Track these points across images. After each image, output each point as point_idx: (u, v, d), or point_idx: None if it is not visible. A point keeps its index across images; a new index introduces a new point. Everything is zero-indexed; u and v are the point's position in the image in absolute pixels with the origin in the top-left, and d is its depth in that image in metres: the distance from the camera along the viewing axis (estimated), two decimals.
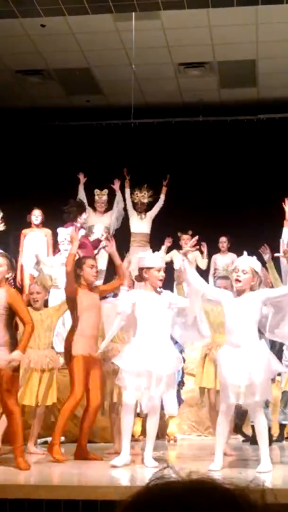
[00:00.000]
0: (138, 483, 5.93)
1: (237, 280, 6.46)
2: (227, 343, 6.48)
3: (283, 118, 13.20)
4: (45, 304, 8.21)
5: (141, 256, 7.03)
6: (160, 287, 6.77)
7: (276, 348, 9.45)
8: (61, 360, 8.31)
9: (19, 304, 6.56)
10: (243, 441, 8.74)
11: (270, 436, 7.32)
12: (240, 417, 8.55)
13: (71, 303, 7.19)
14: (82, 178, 11.59)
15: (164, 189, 11.71)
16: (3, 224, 10.13)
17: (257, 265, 6.64)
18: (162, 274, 6.76)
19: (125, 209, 11.71)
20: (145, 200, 11.65)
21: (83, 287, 7.18)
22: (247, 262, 6.59)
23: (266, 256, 8.12)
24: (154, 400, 6.57)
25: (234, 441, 8.41)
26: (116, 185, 11.57)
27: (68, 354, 7.12)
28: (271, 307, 6.56)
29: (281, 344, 8.61)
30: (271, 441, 7.29)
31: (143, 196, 11.66)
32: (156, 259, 6.84)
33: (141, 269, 6.82)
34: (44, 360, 7.61)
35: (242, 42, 11.14)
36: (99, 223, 11.44)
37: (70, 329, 7.29)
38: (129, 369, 6.54)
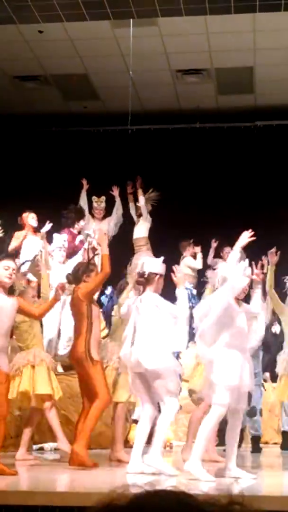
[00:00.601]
0: (133, 489, 5.92)
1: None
2: (235, 347, 6.41)
3: (280, 125, 13.22)
4: None
5: (152, 262, 7.02)
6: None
7: (269, 356, 9.49)
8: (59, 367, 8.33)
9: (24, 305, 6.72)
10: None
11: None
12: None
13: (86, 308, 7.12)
14: (85, 184, 11.59)
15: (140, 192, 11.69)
16: (2, 230, 10.12)
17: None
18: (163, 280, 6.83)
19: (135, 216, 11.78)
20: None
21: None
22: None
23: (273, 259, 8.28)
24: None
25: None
26: (115, 192, 11.58)
27: (82, 360, 6.99)
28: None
29: (274, 354, 8.64)
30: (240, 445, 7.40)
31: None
32: (163, 266, 6.87)
33: (151, 275, 6.86)
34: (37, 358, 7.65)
35: (239, 49, 11.17)
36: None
37: (82, 336, 7.11)
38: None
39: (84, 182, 11.60)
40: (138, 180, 11.69)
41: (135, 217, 11.76)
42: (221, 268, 7.04)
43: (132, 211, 11.74)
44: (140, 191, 11.62)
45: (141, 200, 11.60)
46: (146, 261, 6.84)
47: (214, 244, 11.38)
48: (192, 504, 1.10)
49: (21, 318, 7.25)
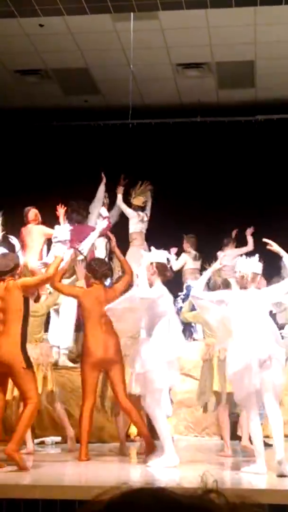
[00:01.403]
0: (136, 483, 5.92)
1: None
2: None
3: (281, 119, 13.20)
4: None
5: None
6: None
7: None
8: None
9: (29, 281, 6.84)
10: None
11: None
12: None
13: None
14: (104, 178, 11.61)
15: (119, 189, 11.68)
16: (2, 228, 10.13)
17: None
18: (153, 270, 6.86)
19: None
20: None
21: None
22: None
23: None
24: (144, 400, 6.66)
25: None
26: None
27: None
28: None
29: None
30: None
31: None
32: (157, 255, 6.98)
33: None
34: (37, 356, 7.64)
35: (240, 43, 11.14)
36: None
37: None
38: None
39: (103, 175, 11.61)
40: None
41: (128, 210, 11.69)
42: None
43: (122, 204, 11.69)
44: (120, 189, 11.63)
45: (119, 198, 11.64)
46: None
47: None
48: (168, 498, 1.10)
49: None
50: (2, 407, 6.70)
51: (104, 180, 11.57)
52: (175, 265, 11.22)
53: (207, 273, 7.18)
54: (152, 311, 6.64)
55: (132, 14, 9.92)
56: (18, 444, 6.35)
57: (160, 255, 7.04)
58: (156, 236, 11.53)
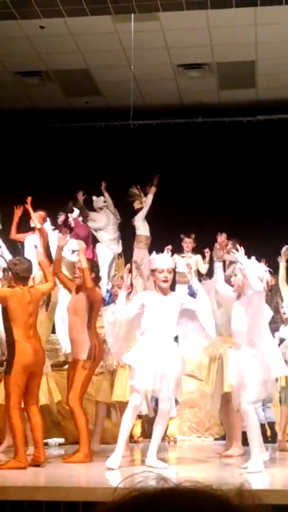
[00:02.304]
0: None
1: (233, 285, 6.62)
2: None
3: (282, 119, 13.20)
4: None
5: (150, 258, 7.12)
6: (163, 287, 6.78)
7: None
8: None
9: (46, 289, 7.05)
10: None
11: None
12: None
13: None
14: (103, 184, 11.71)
15: (152, 189, 11.69)
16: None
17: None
18: (165, 275, 6.72)
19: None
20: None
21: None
22: (238, 265, 6.89)
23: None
24: (165, 401, 6.61)
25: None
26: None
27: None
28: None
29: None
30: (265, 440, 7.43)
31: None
32: (158, 261, 6.84)
33: (151, 272, 7.00)
34: None
35: (241, 43, 11.14)
36: (96, 223, 11.47)
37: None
38: (142, 370, 6.56)
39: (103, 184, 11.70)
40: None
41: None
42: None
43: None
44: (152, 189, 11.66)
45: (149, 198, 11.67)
46: (149, 260, 7.05)
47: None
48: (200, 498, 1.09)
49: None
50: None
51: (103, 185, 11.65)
52: (203, 268, 11.26)
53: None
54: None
55: (132, 15, 9.92)
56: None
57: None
58: (157, 236, 11.56)
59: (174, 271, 7.05)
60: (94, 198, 11.66)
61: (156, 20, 10.42)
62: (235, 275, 6.84)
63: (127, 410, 6.63)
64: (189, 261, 11.38)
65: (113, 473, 6.31)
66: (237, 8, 9.31)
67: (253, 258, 6.90)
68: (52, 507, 5.04)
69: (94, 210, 11.89)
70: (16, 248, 10.38)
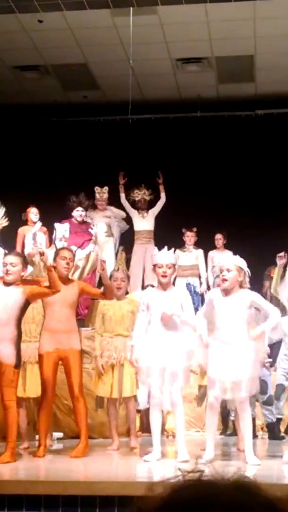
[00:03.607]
0: (137, 478, 5.93)
1: (224, 280, 6.55)
2: (215, 339, 6.54)
3: (281, 114, 13.18)
4: None
5: (152, 254, 7.19)
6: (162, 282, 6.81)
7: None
8: None
9: (36, 289, 6.81)
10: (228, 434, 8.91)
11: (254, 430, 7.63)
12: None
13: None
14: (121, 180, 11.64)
15: (161, 187, 11.68)
16: (6, 219, 10.13)
17: (241, 262, 6.73)
18: (163, 270, 6.77)
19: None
20: (147, 197, 11.65)
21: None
22: (231, 260, 6.79)
23: (281, 262, 8.42)
24: (174, 395, 6.64)
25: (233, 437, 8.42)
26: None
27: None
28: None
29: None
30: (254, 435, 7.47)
31: (145, 194, 11.64)
32: (157, 257, 6.91)
33: (152, 267, 7.06)
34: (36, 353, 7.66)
35: (240, 37, 11.12)
36: (100, 220, 11.39)
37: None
38: (147, 367, 6.61)
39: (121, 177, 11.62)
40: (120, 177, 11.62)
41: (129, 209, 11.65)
42: None
43: (125, 203, 11.64)
44: (121, 188, 11.60)
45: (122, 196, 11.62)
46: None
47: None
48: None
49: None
50: None
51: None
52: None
53: None
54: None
55: (131, 9, 9.90)
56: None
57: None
58: (155, 231, 11.56)
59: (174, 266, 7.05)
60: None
61: (154, 14, 10.40)
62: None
63: (151, 408, 6.88)
64: (190, 255, 11.42)
65: (111, 467, 6.32)
66: (236, 2, 9.30)
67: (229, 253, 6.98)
68: (50, 501, 5.04)
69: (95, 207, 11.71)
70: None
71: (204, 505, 1.04)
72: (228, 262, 6.74)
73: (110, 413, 7.62)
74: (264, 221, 12.46)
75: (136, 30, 10.44)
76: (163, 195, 11.63)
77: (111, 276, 7.87)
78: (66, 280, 7.13)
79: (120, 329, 7.58)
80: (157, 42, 11.29)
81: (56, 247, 10.04)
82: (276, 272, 8.75)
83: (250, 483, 1.10)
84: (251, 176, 12.98)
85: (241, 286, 6.58)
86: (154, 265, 6.92)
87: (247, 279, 6.77)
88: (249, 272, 6.79)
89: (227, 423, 9.02)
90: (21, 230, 10.86)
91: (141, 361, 6.68)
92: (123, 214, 11.59)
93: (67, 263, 7.16)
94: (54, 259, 7.13)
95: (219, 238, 11.68)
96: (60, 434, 8.64)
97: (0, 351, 6.53)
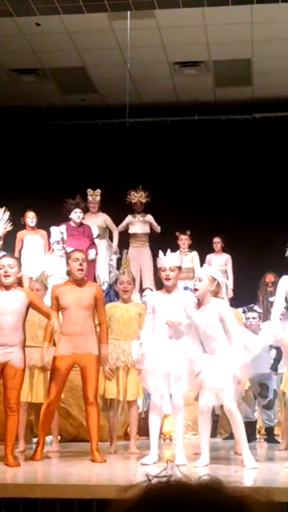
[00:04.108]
0: (134, 481, 5.91)
1: (195, 289, 6.58)
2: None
3: (278, 117, 13.20)
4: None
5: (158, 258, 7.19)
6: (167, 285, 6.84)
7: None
8: None
9: (38, 301, 6.83)
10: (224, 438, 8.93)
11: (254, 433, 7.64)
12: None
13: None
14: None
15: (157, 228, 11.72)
16: (10, 224, 10.14)
17: (214, 272, 6.75)
18: (166, 273, 6.79)
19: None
20: (144, 200, 11.64)
21: (69, 283, 7.14)
22: (203, 270, 6.95)
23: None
24: (176, 399, 6.66)
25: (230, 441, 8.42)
26: None
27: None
28: None
29: None
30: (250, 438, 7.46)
31: (141, 196, 11.63)
32: (160, 260, 6.96)
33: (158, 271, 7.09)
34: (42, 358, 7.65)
35: (237, 41, 11.14)
36: (91, 223, 11.37)
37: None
38: (151, 369, 6.63)
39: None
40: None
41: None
42: None
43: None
44: None
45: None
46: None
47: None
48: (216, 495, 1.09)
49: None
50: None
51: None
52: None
53: None
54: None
55: (128, 12, 9.92)
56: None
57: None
58: (153, 234, 11.56)
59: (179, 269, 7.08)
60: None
61: (152, 18, 10.42)
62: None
63: (150, 412, 6.86)
64: (185, 259, 11.41)
65: (108, 470, 6.32)
66: (233, 6, 9.32)
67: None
68: (48, 504, 5.04)
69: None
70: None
71: (175, 506, 1.06)
72: (200, 271, 6.82)
73: (110, 416, 7.62)
74: (261, 224, 12.47)
75: (133, 33, 10.47)
76: (158, 228, 11.65)
77: (116, 279, 7.85)
78: (81, 282, 7.04)
79: (128, 331, 7.57)
80: (155, 45, 11.31)
81: (54, 250, 10.05)
82: None
83: (219, 484, 1.12)
84: (248, 180, 13.00)
85: (216, 296, 6.57)
86: (159, 269, 6.97)
87: (224, 290, 6.82)
88: (221, 282, 6.75)
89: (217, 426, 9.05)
90: (20, 234, 10.87)
91: (145, 363, 6.70)
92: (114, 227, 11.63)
93: (80, 264, 7.01)
94: (67, 263, 7.12)
95: (217, 242, 11.70)
96: (50, 437, 8.63)
97: (12, 356, 6.53)
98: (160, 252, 7.05)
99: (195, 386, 6.82)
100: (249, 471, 6.17)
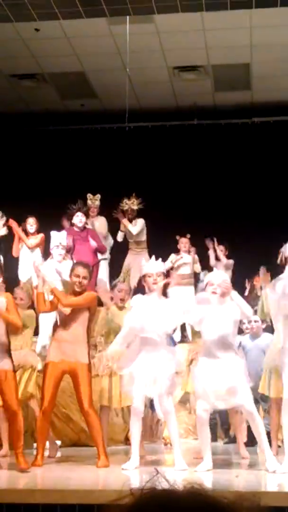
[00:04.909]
0: (134, 486, 5.90)
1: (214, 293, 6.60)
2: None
3: (278, 122, 13.21)
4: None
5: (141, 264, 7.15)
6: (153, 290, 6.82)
7: None
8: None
9: (12, 307, 6.69)
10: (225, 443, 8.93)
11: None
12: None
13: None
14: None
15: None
16: (5, 228, 10.13)
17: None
18: (154, 279, 6.79)
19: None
20: (135, 207, 11.49)
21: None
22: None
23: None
24: (165, 403, 6.65)
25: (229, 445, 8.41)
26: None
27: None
28: None
29: None
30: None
31: (133, 203, 11.49)
32: (147, 266, 6.93)
33: (142, 277, 7.01)
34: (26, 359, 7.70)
35: (236, 45, 11.15)
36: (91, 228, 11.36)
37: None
38: (134, 375, 6.61)
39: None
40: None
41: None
42: None
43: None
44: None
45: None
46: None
47: (211, 245, 11.38)
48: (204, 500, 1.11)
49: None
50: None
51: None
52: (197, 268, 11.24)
53: None
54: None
55: (127, 17, 9.93)
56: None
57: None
58: (152, 239, 11.54)
59: (164, 274, 7.08)
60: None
61: (151, 23, 10.44)
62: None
63: (131, 417, 6.83)
64: (186, 262, 11.35)
65: (108, 475, 6.31)
66: (232, 10, 9.32)
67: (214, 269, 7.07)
68: (48, 509, 5.03)
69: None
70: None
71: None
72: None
73: (102, 421, 7.59)
74: (261, 228, 12.46)
75: (132, 38, 10.48)
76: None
77: (115, 285, 7.86)
78: (75, 293, 7.05)
79: None
80: (154, 50, 11.33)
81: (52, 255, 10.02)
82: None
83: (204, 491, 1.13)
84: (247, 184, 13.00)
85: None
86: (144, 275, 6.89)
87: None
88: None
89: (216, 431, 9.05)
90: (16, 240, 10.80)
91: (126, 368, 6.70)
92: (105, 232, 11.55)
93: (80, 282, 6.98)
94: (70, 275, 7.13)
95: (220, 250, 11.62)
96: (57, 442, 8.61)
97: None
98: (143, 260, 7.08)
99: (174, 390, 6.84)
100: (248, 476, 6.16)
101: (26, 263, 10.30)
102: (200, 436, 6.72)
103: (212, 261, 11.38)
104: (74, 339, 6.93)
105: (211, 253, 11.43)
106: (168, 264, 8.64)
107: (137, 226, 11.36)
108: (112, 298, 8.00)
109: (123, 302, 7.73)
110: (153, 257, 7.04)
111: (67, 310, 6.95)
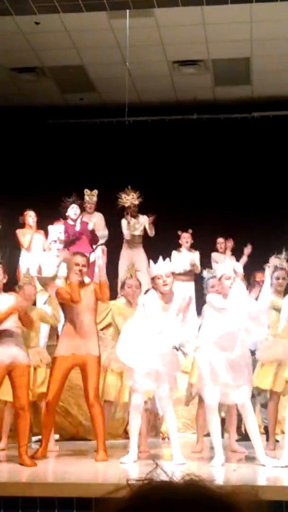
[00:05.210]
0: (118, 483, 5.92)
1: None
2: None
3: (277, 116, 13.20)
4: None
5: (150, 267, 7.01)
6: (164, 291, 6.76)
7: None
8: None
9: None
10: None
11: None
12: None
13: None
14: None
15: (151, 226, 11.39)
16: None
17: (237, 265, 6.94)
18: (164, 280, 6.71)
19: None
20: (136, 202, 11.33)
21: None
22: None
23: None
24: (164, 400, 6.64)
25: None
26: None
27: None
28: None
29: None
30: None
31: (133, 198, 11.32)
32: (156, 268, 6.80)
33: (151, 279, 6.91)
34: (36, 357, 7.66)
35: (236, 39, 11.13)
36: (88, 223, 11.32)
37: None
38: (139, 370, 6.61)
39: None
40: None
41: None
42: None
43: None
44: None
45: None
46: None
47: (247, 251, 11.15)
48: (201, 493, 1.11)
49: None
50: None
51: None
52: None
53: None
54: None
55: (127, 11, 9.91)
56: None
57: None
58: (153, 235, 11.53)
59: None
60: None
61: (151, 17, 10.42)
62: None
63: (130, 411, 6.83)
64: (186, 260, 11.27)
65: (107, 468, 6.32)
66: (232, 4, 9.31)
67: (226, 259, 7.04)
68: (46, 503, 5.05)
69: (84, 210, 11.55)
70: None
71: (159, 507, 1.09)
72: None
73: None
74: (261, 222, 12.47)
75: (132, 32, 10.46)
76: (152, 232, 11.35)
77: (124, 283, 7.85)
78: (81, 285, 7.05)
79: None
80: (154, 44, 11.30)
81: (50, 249, 10.03)
82: None
83: (202, 482, 1.14)
84: (247, 179, 13.00)
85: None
86: (154, 277, 6.78)
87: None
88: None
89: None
90: (19, 232, 10.76)
91: (131, 362, 6.68)
92: (103, 227, 11.47)
93: (80, 270, 7.00)
94: (67, 267, 7.18)
95: (221, 242, 11.57)
96: (56, 436, 8.63)
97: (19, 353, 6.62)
98: (151, 262, 6.97)
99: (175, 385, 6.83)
100: (246, 470, 6.17)
101: (28, 257, 10.31)
102: (210, 427, 6.61)
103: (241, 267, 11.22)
104: (87, 334, 6.96)
105: (244, 258, 11.18)
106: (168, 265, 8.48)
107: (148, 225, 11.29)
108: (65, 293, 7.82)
109: (134, 298, 7.65)
110: (160, 257, 6.92)
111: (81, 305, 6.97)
